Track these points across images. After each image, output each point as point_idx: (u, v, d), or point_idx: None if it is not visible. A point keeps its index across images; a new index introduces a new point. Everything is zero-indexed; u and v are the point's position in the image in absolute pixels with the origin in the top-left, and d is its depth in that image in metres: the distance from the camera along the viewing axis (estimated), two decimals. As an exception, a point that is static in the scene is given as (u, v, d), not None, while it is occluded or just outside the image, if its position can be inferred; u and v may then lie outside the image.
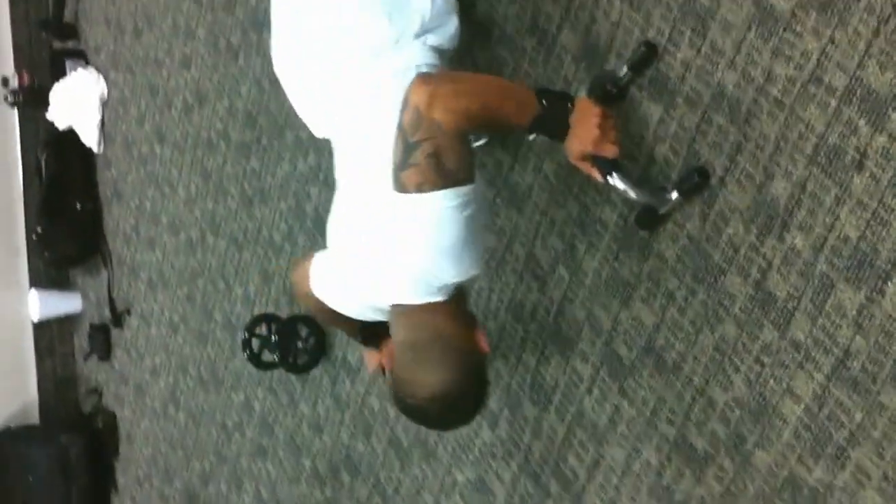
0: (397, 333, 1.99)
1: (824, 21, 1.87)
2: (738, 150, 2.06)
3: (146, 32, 4.67)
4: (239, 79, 3.89)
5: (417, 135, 1.76)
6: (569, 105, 1.97)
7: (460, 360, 1.91)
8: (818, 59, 1.89)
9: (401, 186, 1.80)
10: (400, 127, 1.80)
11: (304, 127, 3.42)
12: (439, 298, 1.94)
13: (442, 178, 1.77)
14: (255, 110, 3.80)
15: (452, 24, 2.24)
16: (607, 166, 2.02)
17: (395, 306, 1.99)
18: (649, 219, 2.26)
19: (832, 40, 1.86)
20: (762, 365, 2.08)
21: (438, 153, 1.76)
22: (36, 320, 5.67)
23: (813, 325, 1.97)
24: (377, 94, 2.05)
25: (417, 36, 2.15)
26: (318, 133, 2.38)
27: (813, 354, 1.98)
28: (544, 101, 1.94)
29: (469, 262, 1.92)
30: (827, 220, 1.91)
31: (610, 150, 1.98)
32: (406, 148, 1.78)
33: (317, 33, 2.23)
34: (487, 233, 1.94)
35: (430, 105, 1.75)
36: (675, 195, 2.13)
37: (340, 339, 3.48)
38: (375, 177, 1.96)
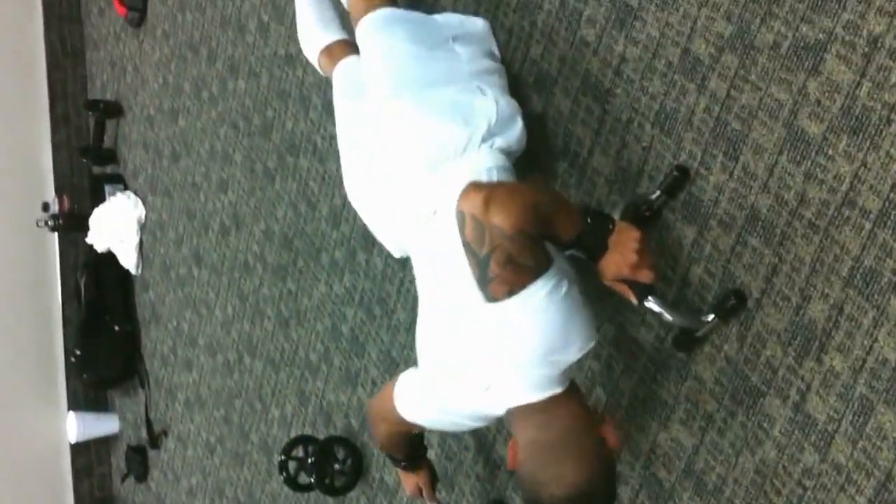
0: (523, 434, 1.94)
1: (856, 144, 1.89)
2: (773, 273, 2.07)
3: (184, 157, 4.76)
4: (275, 202, 3.95)
5: (485, 247, 1.77)
6: (610, 226, 1.99)
7: (594, 454, 1.88)
8: (851, 183, 1.90)
9: (491, 298, 1.82)
10: (465, 244, 1.82)
11: (340, 248, 3.49)
12: (558, 389, 1.92)
13: (525, 276, 1.79)
14: (291, 233, 3.85)
15: (518, 126, 2.28)
16: (643, 291, 2.03)
17: (515, 409, 1.95)
18: (686, 340, 2.26)
19: (864, 164, 1.88)
20: (804, 488, 2.06)
21: (511, 257, 1.76)
22: (73, 442, 5.67)
23: (854, 448, 1.95)
24: (450, 202, 2.03)
25: (485, 140, 2.19)
26: (397, 253, 2.43)
27: (854, 477, 1.96)
28: (589, 219, 1.97)
29: (584, 335, 1.92)
30: (865, 342, 1.90)
31: (645, 276, 1.99)
32: (479, 264, 1.79)
33: (384, 150, 2.30)
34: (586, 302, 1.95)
35: (486, 209, 1.75)
36: (711, 317, 2.14)
37: (378, 461, 3.47)
38: (462, 288, 1.96)
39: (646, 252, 1.99)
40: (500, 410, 1.99)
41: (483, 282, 1.81)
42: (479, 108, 2.22)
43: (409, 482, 2.73)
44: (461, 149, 2.16)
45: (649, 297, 2.04)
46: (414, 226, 2.24)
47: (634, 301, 2.05)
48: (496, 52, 2.61)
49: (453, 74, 2.36)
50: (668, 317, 2.08)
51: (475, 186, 1.83)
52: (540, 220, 1.82)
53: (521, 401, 1.93)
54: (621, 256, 1.98)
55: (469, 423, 2.22)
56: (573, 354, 1.91)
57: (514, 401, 1.94)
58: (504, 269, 1.77)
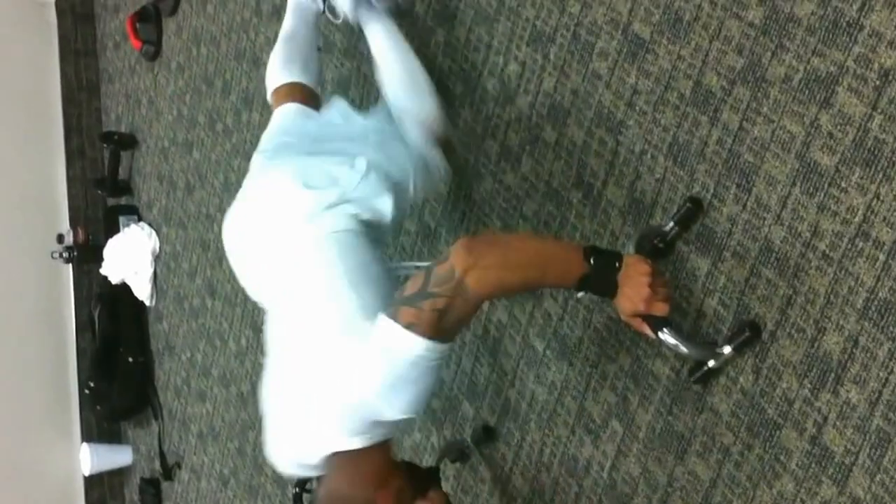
0: (319, 487, 1.98)
1: (869, 176, 1.89)
2: (788, 304, 2.07)
3: (198, 189, 4.78)
4: (289, 234, 3.95)
5: (440, 288, 1.78)
6: (617, 264, 1.98)
7: None
8: (864, 215, 1.90)
9: (392, 313, 1.81)
10: (429, 270, 1.82)
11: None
12: (367, 440, 1.91)
13: (433, 331, 1.78)
14: (305, 264, 3.86)
15: (382, 203, 2.29)
16: (658, 323, 2.03)
17: (325, 458, 1.95)
18: (701, 372, 2.26)
19: (877, 196, 1.88)
20: (822, 521, 2.05)
21: (446, 311, 1.78)
22: (87, 474, 5.67)
23: (871, 481, 1.94)
24: (301, 261, 2.13)
25: (333, 206, 2.21)
26: (254, 297, 2.47)
27: (873, 510, 1.96)
28: (592, 261, 1.96)
29: (415, 404, 1.89)
30: (881, 374, 1.90)
31: (660, 309, 1.99)
32: (421, 291, 1.79)
33: (252, 213, 2.38)
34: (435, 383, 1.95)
35: (466, 272, 1.77)
36: (727, 349, 2.14)
37: (392, 493, 3.46)
38: (306, 338, 2.02)
39: (658, 285, 1.99)
40: (314, 458, 1.99)
41: (405, 301, 1.81)
42: (340, 177, 2.27)
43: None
44: (308, 212, 2.20)
45: (664, 329, 2.04)
46: (272, 283, 2.28)
47: (650, 335, 2.05)
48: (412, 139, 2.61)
49: (339, 147, 2.43)
50: (683, 349, 2.08)
51: (468, 246, 1.83)
52: (521, 289, 1.87)
53: (329, 445, 1.93)
54: (634, 291, 1.98)
55: (303, 473, 2.20)
56: (393, 412, 1.87)
57: (324, 443, 1.95)
58: (431, 313, 1.78)
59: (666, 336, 2.05)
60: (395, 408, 1.86)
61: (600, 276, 1.96)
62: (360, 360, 1.85)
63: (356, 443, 1.91)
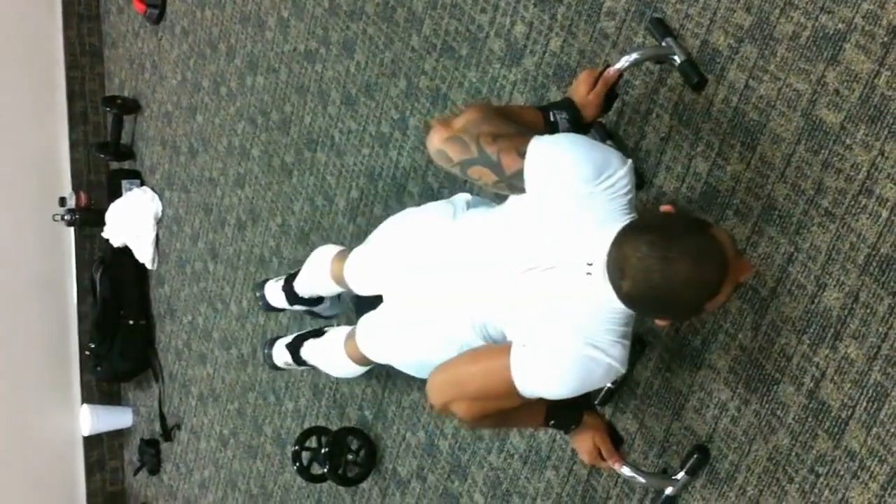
0: None
1: (874, 133, 1.91)
2: (789, 261, 2.09)
3: (201, 153, 4.79)
4: (292, 196, 3.97)
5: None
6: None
7: None
8: (868, 171, 1.92)
9: None
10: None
11: (356, 242, 3.50)
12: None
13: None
14: (308, 227, 3.88)
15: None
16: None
17: None
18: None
19: (882, 152, 1.90)
20: (816, 475, 2.08)
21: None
22: (86, 434, 5.70)
23: (868, 435, 1.97)
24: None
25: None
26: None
27: (868, 464, 1.98)
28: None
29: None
30: (880, 329, 1.93)
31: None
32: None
33: None
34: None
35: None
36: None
37: (391, 452, 3.49)
38: None
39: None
40: None
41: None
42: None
43: (583, 445, 2.32)
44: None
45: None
46: None
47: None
48: None
49: None
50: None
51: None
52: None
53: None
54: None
55: None
56: None
57: None
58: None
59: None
60: None
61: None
62: None
63: None
